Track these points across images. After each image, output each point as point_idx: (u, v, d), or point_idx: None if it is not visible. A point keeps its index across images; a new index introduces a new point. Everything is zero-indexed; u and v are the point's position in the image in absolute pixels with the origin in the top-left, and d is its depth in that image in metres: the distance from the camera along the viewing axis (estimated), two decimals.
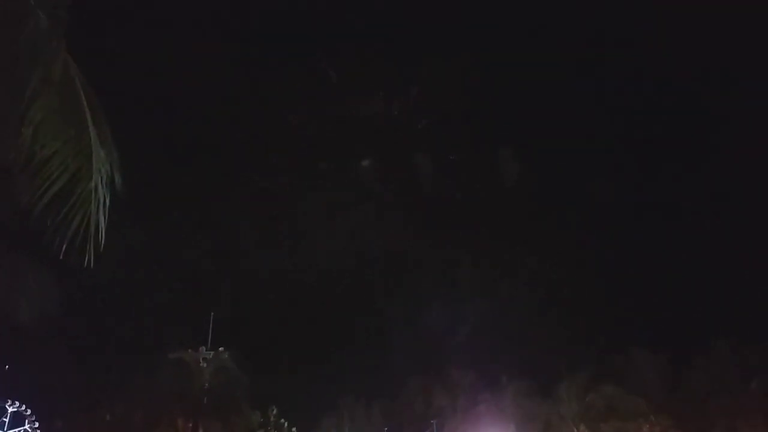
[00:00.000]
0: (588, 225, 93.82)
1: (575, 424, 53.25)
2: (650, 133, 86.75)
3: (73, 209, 6.36)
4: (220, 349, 38.95)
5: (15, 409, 61.38)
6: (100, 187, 6.55)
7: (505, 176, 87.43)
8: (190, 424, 35.10)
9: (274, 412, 43.40)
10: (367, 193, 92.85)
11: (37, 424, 60.00)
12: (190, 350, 37.93)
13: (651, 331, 63.47)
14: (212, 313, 43.34)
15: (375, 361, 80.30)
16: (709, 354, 51.58)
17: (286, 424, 43.14)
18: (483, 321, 71.01)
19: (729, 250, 66.87)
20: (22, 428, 61.14)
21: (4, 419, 61.36)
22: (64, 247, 6.13)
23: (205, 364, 37.48)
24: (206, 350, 38.62)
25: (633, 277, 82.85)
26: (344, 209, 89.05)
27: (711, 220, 73.48)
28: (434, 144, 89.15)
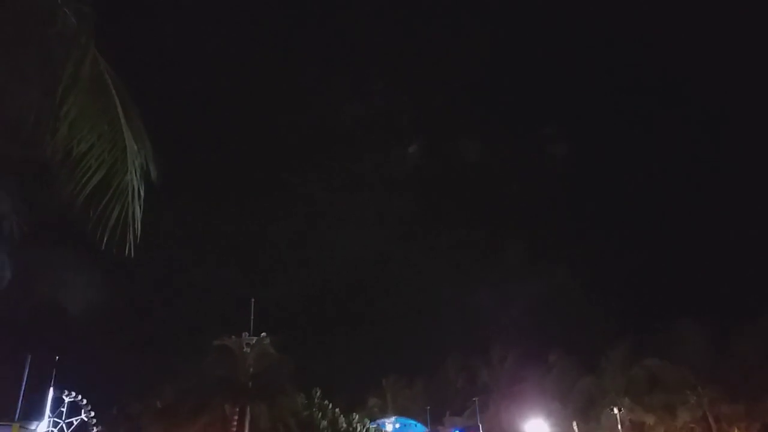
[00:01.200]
0: (631, 197, 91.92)
1: (619, 397, 52.52)
2: (691, 110, 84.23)
3: (112, 202, 6.52)
4: (263, 334, 39.58)
5: (71, 400, 63.80)
6: (134, 179, 6.70)
7: (546, 156, 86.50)
8: (237, 409, 35.83)
9: (318, 393, 44.07)
10: (407, 177, 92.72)
11: (93, 414, 62.25)
12: (233, 336, 38.60)
13: (696, 300, 62.27)
14: (253, 299, 44.11)
15: (418, 340, 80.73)
16: (757, 323, 50.09)
17: (330, 405, 43.76)
18: (525, 297, 70.59)
19: None
20: (78, 417, 63.50)
21: (62, 409, 63.79)
22: (106, 238, 6.30)
23: (248, 350, 38.12)
24: (249, 336, 39.28)
25: (677, 248, 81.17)
26: (386, 193, 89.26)
27: (756, 190, 71.40)
28: (477, 129, 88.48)
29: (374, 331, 75.85)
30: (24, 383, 39.84)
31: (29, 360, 40.69)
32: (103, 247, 6.11)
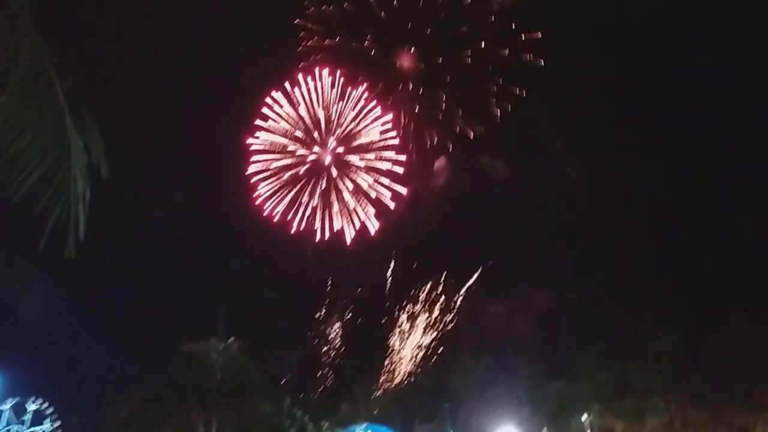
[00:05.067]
0: (603, 202, 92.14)
1: (589, 402, 52.65)
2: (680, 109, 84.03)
3: (53, 200, 6.08)
4: (231, 339, 38.97)
5: (36, 407, 61.79)
6: (78, 177, 6.25)
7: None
8: (204, 417, 35.19)
9: (288, 401, 43.49)
10: None
11: (58, 423, 60.32)
12: (201, 342, 37.96)
13: (665, 306, 62.76)
14: (221, 304, 43.44)
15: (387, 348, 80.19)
16: (727, 329, 50.77)
17: (299, 413, 43.17)
18: (494, 303, 70.66)
19: (747, 225, 65.94)
20: (40, 427, 61.45)
21: (24, 418, 61.74)
22: (44, 240, 5.86)
23: (216, 356, 37.50)
24: (216, 341, 38.64)
25: (647, 253, 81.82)
26: None
27: (732, 193, 71.86)
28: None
29: (347, 336, 75.15)
30: None
31: None
32: (40, 248, 5.67)
